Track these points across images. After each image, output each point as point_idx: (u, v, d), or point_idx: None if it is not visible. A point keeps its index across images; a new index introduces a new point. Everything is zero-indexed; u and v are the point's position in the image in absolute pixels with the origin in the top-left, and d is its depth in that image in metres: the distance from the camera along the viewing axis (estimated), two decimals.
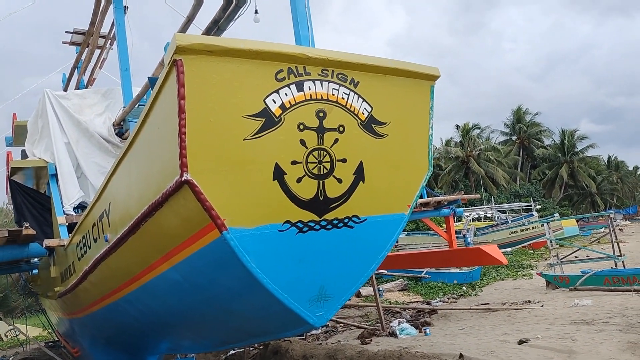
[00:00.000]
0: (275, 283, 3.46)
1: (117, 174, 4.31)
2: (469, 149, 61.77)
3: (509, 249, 21.28)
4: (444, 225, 11.70)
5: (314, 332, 11.35)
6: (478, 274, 16.78)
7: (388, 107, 3.88)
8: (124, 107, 7.65)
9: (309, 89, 3.51)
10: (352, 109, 3.69)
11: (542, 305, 10.85)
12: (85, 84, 11.75)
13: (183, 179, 3.12)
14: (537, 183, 60.71)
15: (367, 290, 15.95)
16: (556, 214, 36.15)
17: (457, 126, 65.37)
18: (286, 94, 3.42)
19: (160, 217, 3.60)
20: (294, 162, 3.45)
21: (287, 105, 3.42)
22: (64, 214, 7.06)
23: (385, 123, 3.86)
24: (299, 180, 3.47)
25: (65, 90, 12.49)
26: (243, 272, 3.35)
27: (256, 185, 3.35)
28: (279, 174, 3.41)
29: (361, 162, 3.75)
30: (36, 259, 9.38)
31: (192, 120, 3.10)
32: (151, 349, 6.61)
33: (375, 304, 10.70)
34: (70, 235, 6.26)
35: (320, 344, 9.66)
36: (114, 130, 8.01)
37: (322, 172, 3.55)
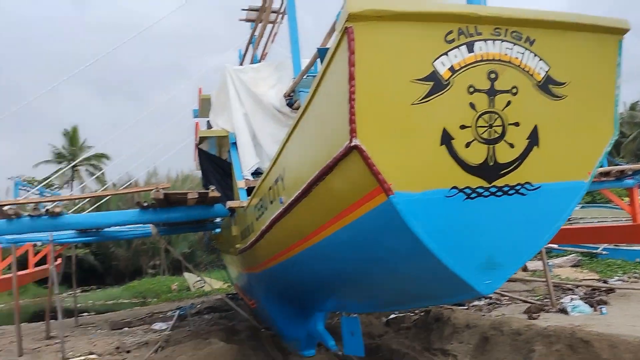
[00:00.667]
0: (442, 248, 3.46)
1: (290, 141, 4.59)
2: None
3: None
4: (627, 198, 10.59)
5: (476, 303, 11.12)
6: None
7: (567, 65, 3.59)
8: (294, 78, 8.06)
9: (480, 50, 3.38)
10: (526, 69, 3.49)
11: None
12: (258, 58, 12.56)
13: (352, 144, 3.23)
14: None
15: (534, 265, 15.11)
16: None
17: None
18: (456, 56, 3.34)
19: (330, 181, 3.78)
20: (462, 127, 3.37)
21: (457, 68, 3.34)
22: (243, 178, 7.73)
23: (564, 83, 3.58)
24: (467, 145, 3.39)
25: (241, 65, 13.52)
26: (409, 236, 3.40)
27: (423, 150, 3.35)
28: (446, 138, 3.36)
29: (536, 126, 3.55)
30: (219, 219, 10.44)
31: (361, 86, 3.18)
32: (319, 305, 7.03)
33: (544, 279, 10.11)
34: (248, 197, 6.85)
35: (484, 315, 9.44)
36: (285, 101, 8.49)
37: (492, 137, 3.43)
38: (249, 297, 11.68)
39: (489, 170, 3.46)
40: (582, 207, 25.71)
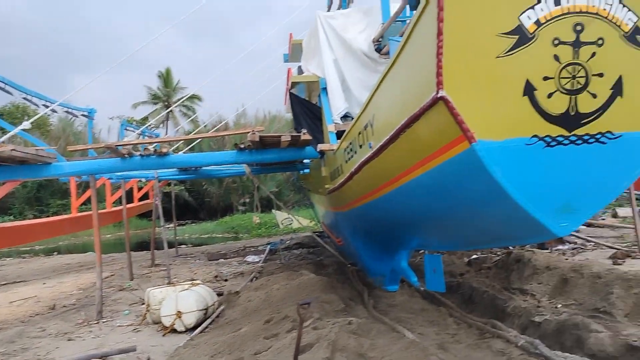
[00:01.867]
0: (521, 193, 3.73)
1: (380, 89, 4.92)
2: None
3: None
4: None
5: (560, 247, 11.13)
6: None
7: None
8: (383, 24, 8.22)
9: (567, 2, 3.51)
10: (614, 20, 3.57)
11: None
12: (347, 3, 12.66)
13: (438, 95, 3.53)
14: None
15: (625, 211, 14.64)
16: None
17: None
18: (542, 9, 3.49)
19: (417, 128, 4.11)
20: (545, 78, 3.55)
21: (543, 21, 3.49)
22: (333, 122, 8.15)
23: None
24: (549, 95, 3.58)
25: (329, 8, 13.68)
26: (490, 181, 3.69)
27: (506, 101, 3.58)
28: (529, 90, 3.57)
29: (620, 76, 3.65)
30: (308, 160, 11.00)
31: (449, 41, 3.44)
32: (403, 243, 7.47)
33: (633, 226, 9.92)
34: (338, 141, 7.28)
35: (567, 259, 9.52)
36: (374, 47, 8.69)
37: (575, 87, 3.59)
38: (336, 234, 12.35)
39: (570, 120, 3.65)
40: None
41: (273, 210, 27.98)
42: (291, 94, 9.43)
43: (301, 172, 13.28)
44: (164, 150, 8.11)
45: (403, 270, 7.96)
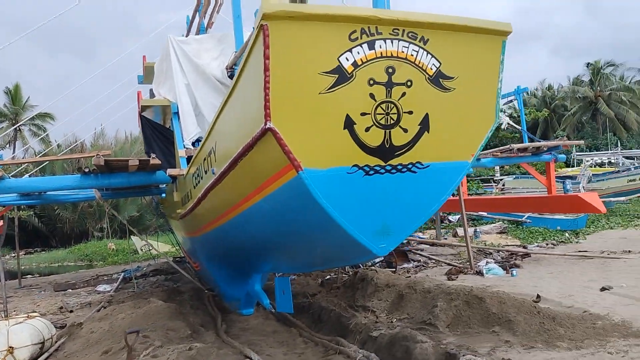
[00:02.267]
0: (344, 217, 4.07)
1: (220, 117, 5.07)
2: (598, 88, 57.02)
3: (623, 198, 20.14)
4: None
5: (405, 265, 12.01)
6: (584, 221, 16.27)
7: (457, 62, 4.19)
8: (235, 52, 8.41)
9: (380, 48, 3.93)
10: (420, 65, 4.07)
11: None
12: (205, 26, 12.73)
13: (267, 127, 3.76)
14: None
15: (468, 231, 16.23)
16: None
17: (588, 64, 60.21)
18: (358, 53, 3.87)
19: (252, 156, 4.31)
20: (363, 114, 3.93)
21: (359, 63, 3.88)
22: (184, 147, 8.12)
23: (453, 77, 4.19)
24: (367, 129, 3.97)
25: (188, 31, 13.63)
26: (317, 207, 3.98)
27: (329, 133, 3.91)
28: (349, 123, 3.93)
29: (427, 114, 4.15)
30: (164, 185, 10.77)
31: (275, 77, 3.69)
32: (255, 267, 7.61)
33: (469, 244, 11.04)
34: (188, 166, 7.28)
35: (410, 276, 10.29)
36: (227, 73, 8.83)
37: (389, 123, 4.02)
38: (193, 259, 12.15)
39: (385, 151, 4.07)
40: (516, 177, 27.28)
41: (132, 237, 26.75)
42: (142, 117, 9.23)
43: (161, 195, 12.94)
44: None
45: (256, 294, 8.07)
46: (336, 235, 4.24)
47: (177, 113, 8.55)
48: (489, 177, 29.07)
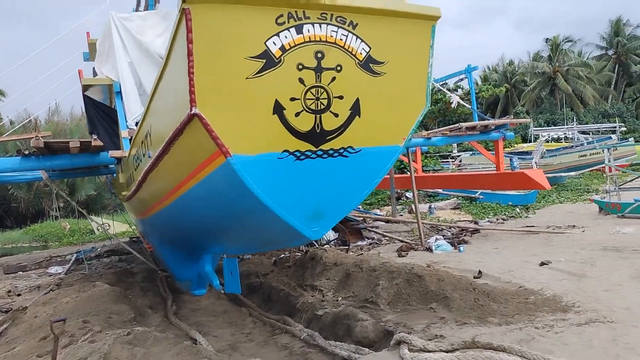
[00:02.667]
0: (276, 202, 4.08)
1: (154, 100, 4.97)
2: (557, 64, 58.23)
3: (574, 173, 20.80)
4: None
5: (359, 243, 12.16)
6: (534, 197, 16.75)
7: (387, 46, 4.20)
8: None
9: (308, 32, 3.89)
10: (350, 50, 4.05)
11: (583, 231, 10.96)
12: (154, 2, 12.38)
13: (192, 112, 3.70)
14: (631, 103, 56.20)
15: (421, 207, 16.53)
16: (631, 138, 34.22)
17: (547, 39, 61.32)
18: (286, 37, 3.83)
19: (182, 141, 4.25)
20: (292, 99, 3.91)
21: (287, 47, 3.84)
22: (127, 127, 7.95)
23: (383, 62, 4.20)
24: (297, 114, 3.95)
25: (136, 7, 13.24)
26: (247, 192, 3.97)
27: (258, 119, 3.88)
28: (278, 109, 3.90)
29: (357, 99, 4.16)
30: (112, 165, 10.56)
31: (199, 61, 3.62)
32: (203, 248, 7.58)
33: (420, 222, 11.24)
34: (129, 147, 7.14)
35: (362, 254, 10.44)
36: None
37: (319, 108, 4.01)
38: (147, 240, 12.02)
39: (316, 136, 4.07)
40: (472, 154, 27.78)
41: (89, 217, 26.18)
42: (84, 97, 8.96)
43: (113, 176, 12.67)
44: None
45: (207, 275, 8.05)
46: (269, 220, 4.25)
47: (119, 92, 8.33)
48: (447, 153, 29.51)
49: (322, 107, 4.02)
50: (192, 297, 8.89)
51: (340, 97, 4.07)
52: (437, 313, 5.60)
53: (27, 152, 7.72)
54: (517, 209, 15.93)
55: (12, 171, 9.21)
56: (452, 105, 17.04)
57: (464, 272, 7.74)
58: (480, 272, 7.65)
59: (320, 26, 3.93)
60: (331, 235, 12.12)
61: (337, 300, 6.89)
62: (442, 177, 15.82)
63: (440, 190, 18.46)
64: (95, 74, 9.75)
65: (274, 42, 3.80)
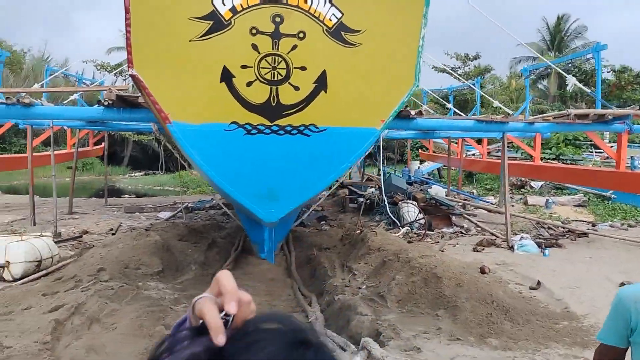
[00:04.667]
0: (223, 177, 3.82)
1: None
2: None
3: None
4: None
5: (444, 229, 11.32)
6: None
7: (364, 13, 3.65)
8: None
9: None
10: (316, 15, 3.58)
11: None
12: None
13: (130, 73, 3.55)
14: None
15: (534, 200, 14.96)
16: None
17: None
18: None
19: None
20: (244, 66, 3.58)
21: (239, 9, 3.49)
22: None
23: (359, 31, 3.66)
24: (249, 84, 3.61)
25: None
26: (192, 163, 3.76)
27: (202, 85, 3.61)
28: (227, 76, 3.59)
29: (324, 71, 3.69)
30: None
31: (136, 19, 3.44)
32: None
33: (528, 218, 10.11)
34: None
35: (437, 242, 9.76)
36: None
37: (276, 78, 3.62)
38: None
39: (271, 110, 3.69)
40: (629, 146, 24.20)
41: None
42: None
43: None
44: (26, 100, 8.02)
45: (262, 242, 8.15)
46: (223, 194, 4.01)
47: None
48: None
49: (280, 77, 3.63)
50: (257, 259, 8.95)
51: (303, 68, 3.64)
52: (438, 322, 4.93)
53: (106, 103, 8.22)
54: None
55: (101, 120, 9.94)
56: (568, 89, 14.83)
57: (525, 280, 6.80)
58: (539, 282, 6.63)
59: None
60: (413, 214, 11.41)
61: (359, 287, 6.46)
62: (555, 169, 13.99)
63: (569, 185, 16.47)
64: None
65: (223, 2, 3.47)
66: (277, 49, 3.55)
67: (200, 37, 3.47)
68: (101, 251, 7.71)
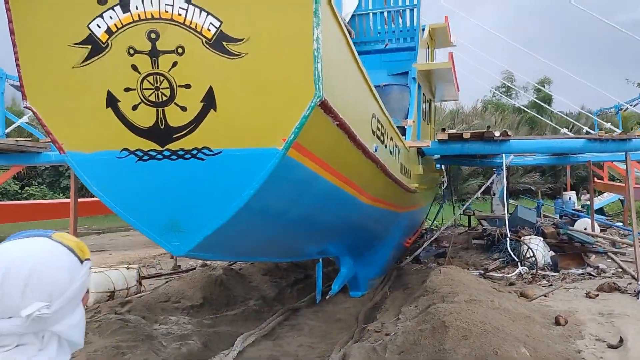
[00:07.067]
0: (122, 207, 3.60)
1: None
2: None
3: None
4: None
5: (572, 270, 9.55)
6: None
7: (245, 18, 3.19)
8: None
9: (137, 9, 3.27)
10: (193, 26, 3.23)
11: None
12: None
13: (25, 106, 3.56)
14: None
15: None
16: None
17: None
18: (111, 17, 3.30)
19: None
20: (127, 89, 3.37)
21: (114, 29, 3.31)
22: None
23: (242, 39, 3.21)
24: (134, 107, 3.38)
25: None
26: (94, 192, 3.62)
27: (91, 112, 3.47)
28: (112, 101, 3.41)
29: (210, 88, 3.30)
30: None
31: (23, 51, 3.45)
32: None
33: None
34: None
35: (572, 282, 8.38)
36: None
37: (160, 99, 3.34)
38: None
39: (161, 134, 3.40)
40: None
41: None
42: None
43: None
44: None
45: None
46: (130, 224, 3.77)
47: None
48: None
49: (164, 98, 3.33)
50: (344, 297, 8.46)
51: (187, 86, 3.30)
52: None
53: None
54: None
55: None
56: None
57: (617, 338, 5.39)
58: (621, 340, 5.13)
59: (151, 1, 3.24)
60: (536, 252, 9.81)
61: (389, 334, 5.66)
62: None
63: None
64: None
65: (97, 25, 3.32)
66: (157, 68, 3.26)
67: (82, 63, 3.35)
68: (165, 285, 7.99)
